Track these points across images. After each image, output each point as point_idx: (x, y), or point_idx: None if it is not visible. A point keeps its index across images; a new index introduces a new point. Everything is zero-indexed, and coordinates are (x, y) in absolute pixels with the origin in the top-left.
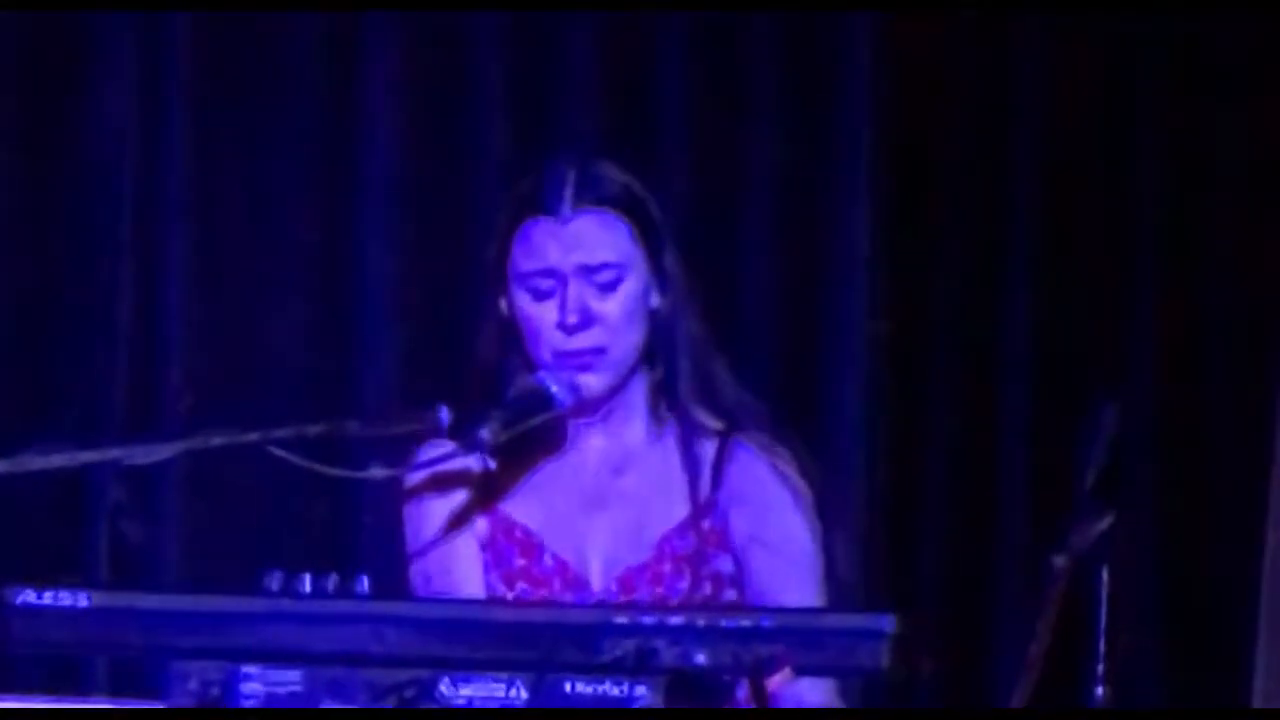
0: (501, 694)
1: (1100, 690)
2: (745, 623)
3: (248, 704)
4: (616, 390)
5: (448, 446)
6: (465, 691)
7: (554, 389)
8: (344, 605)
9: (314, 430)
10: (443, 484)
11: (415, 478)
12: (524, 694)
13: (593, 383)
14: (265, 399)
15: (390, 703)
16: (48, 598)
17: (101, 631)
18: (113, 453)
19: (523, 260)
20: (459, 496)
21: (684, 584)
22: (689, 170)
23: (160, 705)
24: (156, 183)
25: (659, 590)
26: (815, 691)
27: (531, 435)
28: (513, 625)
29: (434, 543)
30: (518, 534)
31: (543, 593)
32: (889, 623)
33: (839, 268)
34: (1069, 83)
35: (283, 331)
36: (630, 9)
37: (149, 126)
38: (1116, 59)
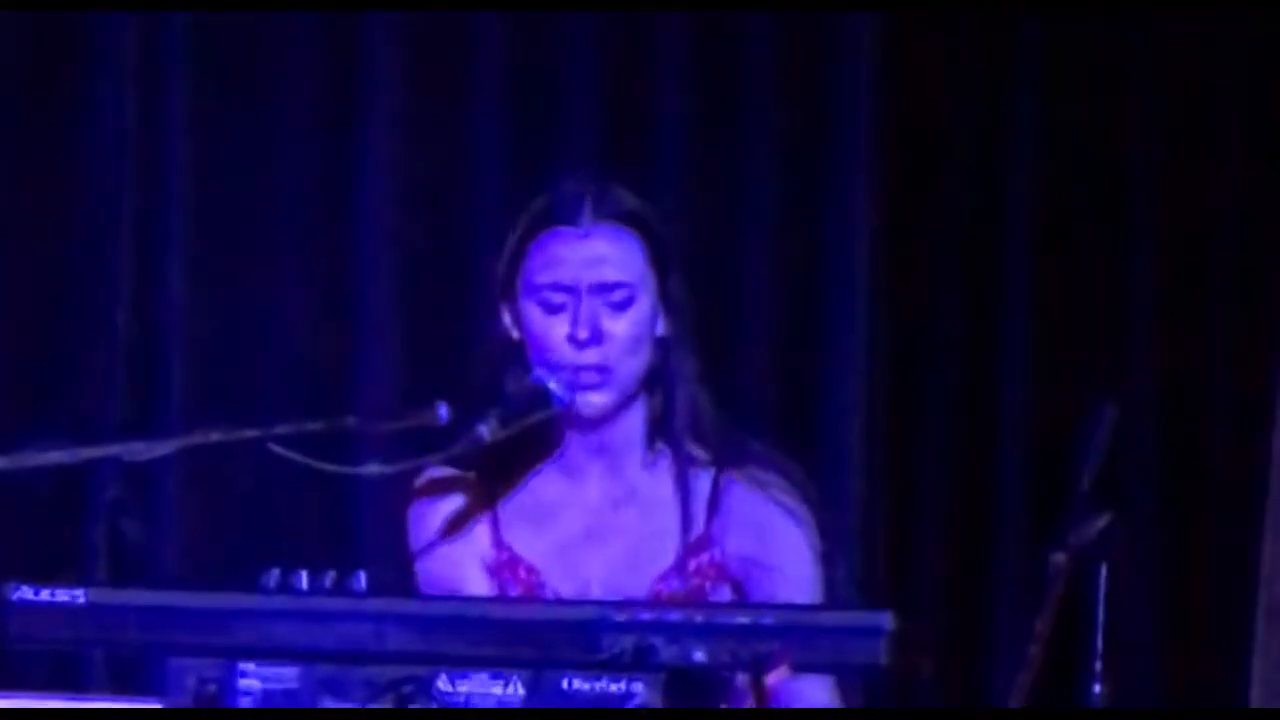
0: (499, 691)
1: (1099, 688)
2: (744, 620)
3: (245, 701)
4: (616, 411)
5: (451, 453)
6: (463, 688)
7: (553, 387)
8: (342, 602)
9: (313, 427)
10: (445, 487)
11: (419, 481)
12: (522, 691)
13: (595, 401)
14: (264, 396)
15: (388, 700)
16: (45, 594)
17: (99, 628)
18: (111, 449)
19: (539, 271)
20: (460, 500)
21: None
22: (686, 175)
23: (157, 703)
24: (156, 179)
25: None
26: (815, 687)
27: (529, 434)
28: (510, 622)
29: (434, 548)
30: (520, 571)
31: None
32: (887, 620)
33: (837, 268)
34: (1069, 81)
35: (282, 328)
36: (630, 9)
37: (148, 122)
38: (1115, 57)
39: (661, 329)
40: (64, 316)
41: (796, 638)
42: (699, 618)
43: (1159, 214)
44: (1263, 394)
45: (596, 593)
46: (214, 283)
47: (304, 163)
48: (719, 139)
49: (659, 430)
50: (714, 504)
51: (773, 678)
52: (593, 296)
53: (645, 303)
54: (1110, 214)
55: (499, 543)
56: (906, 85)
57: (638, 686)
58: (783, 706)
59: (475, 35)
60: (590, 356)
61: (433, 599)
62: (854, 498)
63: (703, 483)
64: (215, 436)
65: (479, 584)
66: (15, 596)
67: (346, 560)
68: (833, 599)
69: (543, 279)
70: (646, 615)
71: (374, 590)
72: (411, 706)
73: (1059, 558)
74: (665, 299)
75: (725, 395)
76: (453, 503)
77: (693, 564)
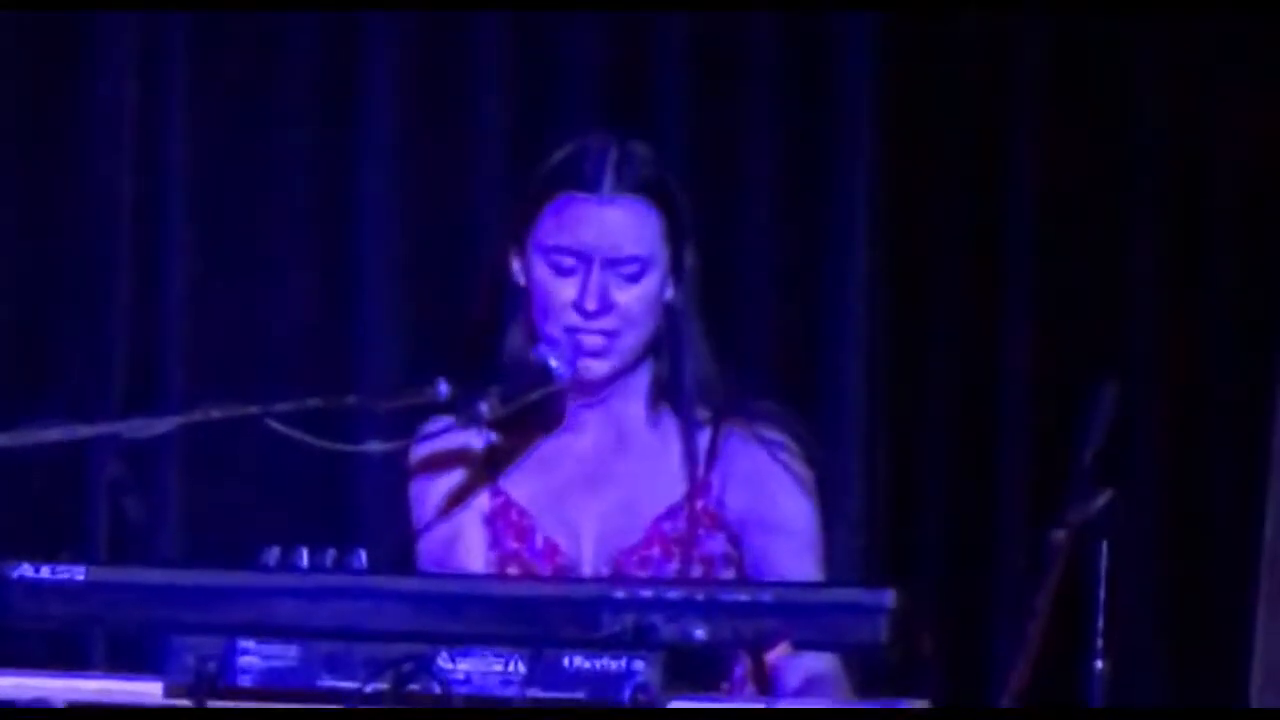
0: (500, 669)
1: (1100, 664)
2: (744, 597)
3: (244, 679)
4: (618, 377)
5: (448, 420)
6: (463, 666)
7: (554, 364)
8: (342, 580)
9: (313, 404)
10: (446, 460)
11: (419, 454)
12: (522, 669)
13: (595, 367)
14: (264, 373)
15: (388, 678)
16: (45, 572)
17: (99, 606)
18: (111, 427)
19: (552, 233)
20: (461, 473)
21: (673, 567)
22: (687, 154)
23: (157, 681)
24: (156, 156)
25: (647, 574)
26: (818, 661)
27: (531, 410)
28: (511, 600)
29: (437, 520)
30: (513, 515)
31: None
32: (889, 598)
33: (838, 242)
34: (1070, 59)
35: (282, 305)
36: (630, 9)
37: (149, 101)
38: (1117, 36)
39: (669, 295)
40: (64, 294)
41: (797, 615)
42: (700, 596)
43: (1160, 190)
44: (1265, 370)
45: (589, 536)
46: (214, 261)
47: (305, 141)
48: (719, 124)
49: (664, 393)
50: (713, 453)
51: (773, 655)
52: (605, 269)
53: (656, 274)
54: (1112, 190)
55: (495, 490)
56: (907, 68)
57: (638, 664)
58: (785, 682)
59: (477, 16)
60: (597, 324)
61: (433, 577)
62: (855, 474)
63: (704, 435)
64: (215, 414)
65: (476, 534)
66: (15, 574)
67: (347, 538)
68: (833, 567)
69: (556, 241)
70: (647, 593)
71: (374, 568)
72: (412, 685)
73: (1060, 534)
74: (676, 266)
75: (722, 369)
76: (455, 475)
77: (688, 510)
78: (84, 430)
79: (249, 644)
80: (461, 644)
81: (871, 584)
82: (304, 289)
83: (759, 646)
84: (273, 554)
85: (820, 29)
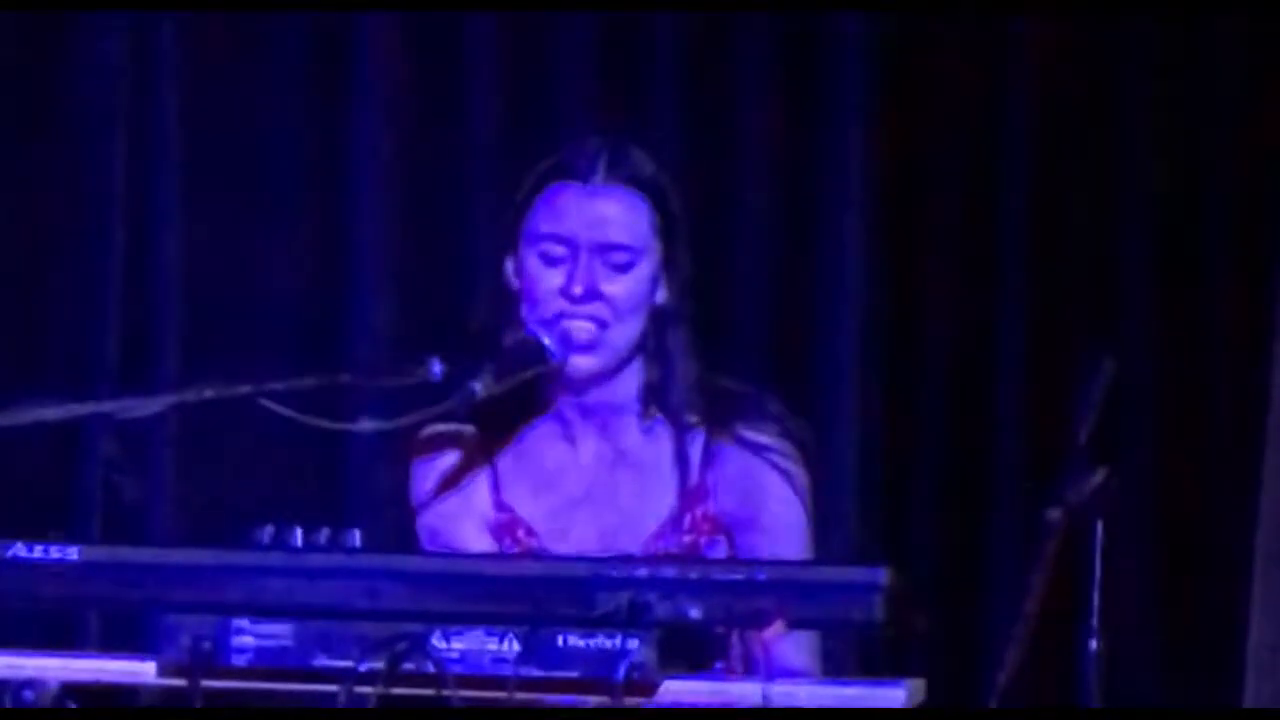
0: (495, 648)
1: (1095, 644)
2: (738, 576)
3: (239, 658)
4: (608, 376)
5: (447, 406)
6: (458, 645)
7: (547, 342)
8: (336, 559)
9: (306, 383)
10: (446, 440)
11: (421, 434)
12: (517, 648)
13: (584, 364)
14: (257, 352)
15: (382, 657)
16: (39, 552)
17: (93, 585)
18: (105, 406)
19: (542, 221)
20: (459, 454)
21: None
22: (681, 146)
23: (151, 660)
24: (149, 135)
25: None
26: (799, 656)
27: (523, 390)
28: (506, 579)
29: (436, 499)
30: (519, 532)
31: None
32: (883, 576)
33: (831, 231)
34: (1067, 44)
35: (276, 285)
36: (627, 9)
37: (142, 77)
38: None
39: (661, 298)
40: (57, 274)
41: (791, 594)
42: (694, 574)
43: (1155, 168)
44: (1260, 349)
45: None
46: (207, 240)
47: (298, 120)
48: (713, 115)
49: (654, 398)
50: (707, 458)
51: (768, 634)
52: (593, 255)
53: (645, 269)
54: (1106, 168)
55: (500, 504)
56: (899, 59)
57: (633, 643)
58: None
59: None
60: (584, 311)
61: (427, 555)
62: (850, 452)
63: (698, 442)
64: (209, 393)
65: (481, 544)
66: (9, 554)
67: (340, 517)
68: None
69: (545, 229)
70: (641, 572)
71: (368, 547)
72: (406, 664)
73: (1055, 513)
74: (669, 268)
75: (718, 359)
76: (452, 457)
77: (688, 519)
78: (77, 410)
79: (243, 623)
80: (455, 623)
81: (866, 562)
82: (297, 268)
83: (753, 625)
84: (267, 533)
85: (815, 28)
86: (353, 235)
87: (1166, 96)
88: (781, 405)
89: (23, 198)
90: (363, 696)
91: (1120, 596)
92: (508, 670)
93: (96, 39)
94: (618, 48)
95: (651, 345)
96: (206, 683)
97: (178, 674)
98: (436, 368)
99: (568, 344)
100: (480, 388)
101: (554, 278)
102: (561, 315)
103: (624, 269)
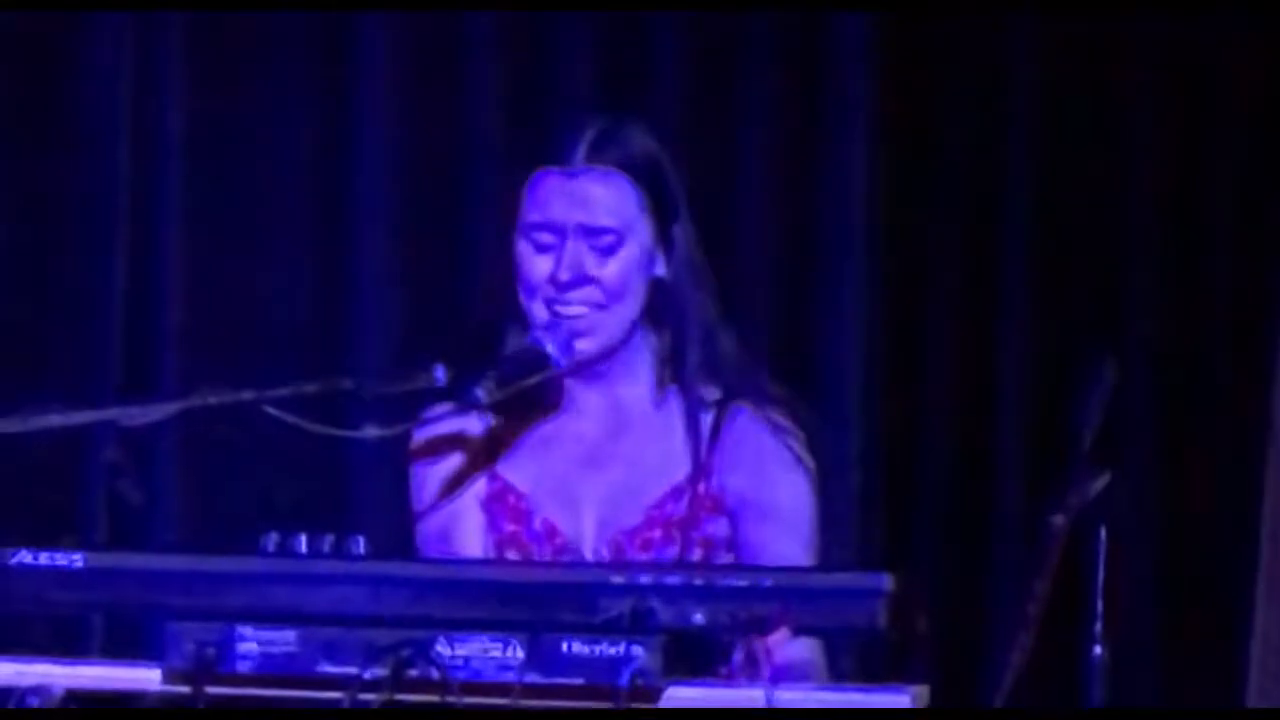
0: (498, 654)
1: (1098, 649)
2: (743, 582)
3: (243, 665)
4: (612, 353)
5: (449, 406)
6: (461, 651)
7: (549, 349)
8: (340, 565)
9: (310, 390)
10: (446, 445)
11: (419, 438)
12: (520, 654)
13: (585, 347)
14: (261, 358)
15: (386, 664)
16: (43, 558)
17: (97, 592)
18: (109, 413)
19: (530, 211)
20: (461, 458)
21: (673, 549)
22: (680, 149)
23: (156, 667)
24: (152, 141)
25: (647, 556)
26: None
27: (529, 394)
28: (509, 585)
29: (435, 504)
30: (510, 499)
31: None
32: (886, 581)
33: (834, 226)
34: (1067, 34)
35: (279, 291)
36: (627, 8)
37: (146, 83)
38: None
39: (660, 270)
40: (62, 279)
41: (795, 600)
42: (698, 580)
43: (1158, 170)
44: (1263, 352)
45: (590, 518)
46: (210, 246)
47: (301, 125)
48: (715, 98)
49: (669, 371)
50: (716, 434)
51: (772, 640)
52: (579, 239)
53: (634, 246)
54: (1110, 172)
55: (492, 475)
56: (903, 51)
57: (637, 649)
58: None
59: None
60: (575, 297)
61: (431, 562)
62: (852, 458)
63: (707, 417)
64: (212, 400)
65: (474, 518)
66: (13, 560)
67: (344, 523)
68: (828, 559)
69: (533, 218)
70: (645, 578)
71: (373, 553)
72: (410, 671)
73: (1058, 519)
74: (665, 242)
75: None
76: (453, 460)
77: (689, 494)
78: (81, 416)
79: (247, 630)
80: (459, 629)
81: (868, 568)
82: (301, 274)
83: (757, 631)
84: (271, 540)
85: (816, 28)
86: (356, 241)
87: (1170, 99)
88: (801, 404)
89: (27, 203)
90: (367, 703)
91: (1123, 603)
92: (512, 677)
93: (100, 44)
94: (618, 48)
95: (661, 317)
96: (211, 689)
97: (182, 680)
98: (440, 374)
99: (570, 334)
100: (484, 395)
101: (543, 265)
102: (553, 302)
103: (610, 251)
